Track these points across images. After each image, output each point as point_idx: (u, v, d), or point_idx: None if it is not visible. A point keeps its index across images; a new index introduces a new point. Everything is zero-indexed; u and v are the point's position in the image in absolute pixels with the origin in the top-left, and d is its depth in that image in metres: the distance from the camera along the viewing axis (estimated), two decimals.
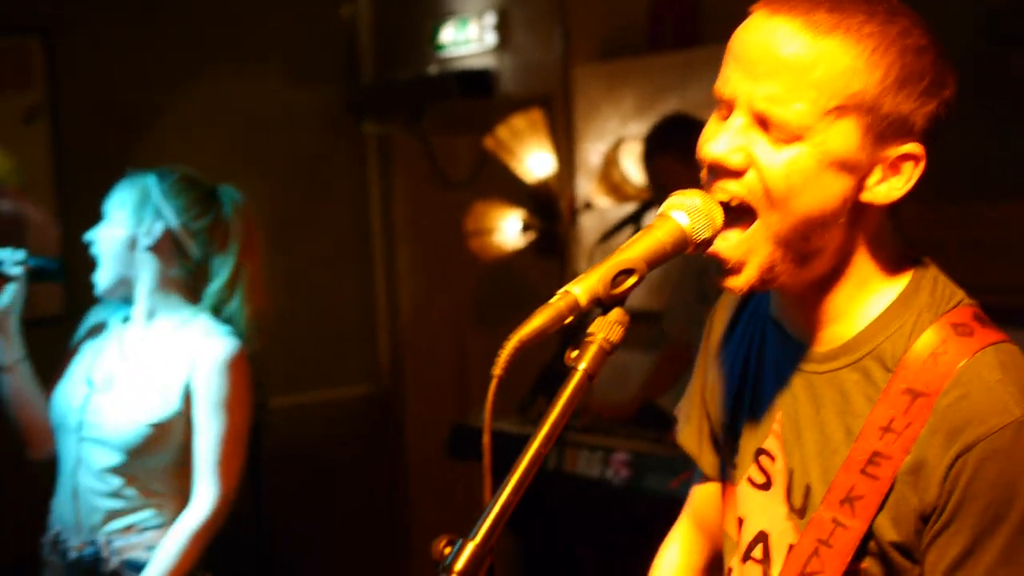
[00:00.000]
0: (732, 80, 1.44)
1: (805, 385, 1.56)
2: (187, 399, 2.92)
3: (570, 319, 1.36)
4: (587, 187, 4.84)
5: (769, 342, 1.64)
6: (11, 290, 2.99)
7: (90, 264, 3.06)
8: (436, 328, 5.79)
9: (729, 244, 1.47)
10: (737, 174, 1.44)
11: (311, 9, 5.72)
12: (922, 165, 1.45)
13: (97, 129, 5.07)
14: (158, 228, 2.95)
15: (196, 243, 2.99)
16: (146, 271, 2.98)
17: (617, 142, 4.67)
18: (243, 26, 5.47)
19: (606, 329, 1.38)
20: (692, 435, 1.82)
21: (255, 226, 3.10)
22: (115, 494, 2.93)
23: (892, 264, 1.53)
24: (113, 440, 2.90)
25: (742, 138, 1.44)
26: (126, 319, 3.06)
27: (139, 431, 2.88)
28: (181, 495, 2.95)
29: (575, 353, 1.37)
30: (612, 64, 4.79)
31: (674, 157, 3.88)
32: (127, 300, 3.06)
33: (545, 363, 3.52)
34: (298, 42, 5.66)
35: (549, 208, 4.97)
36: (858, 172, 1.43)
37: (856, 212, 1.46)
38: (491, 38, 5.24)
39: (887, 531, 1.46)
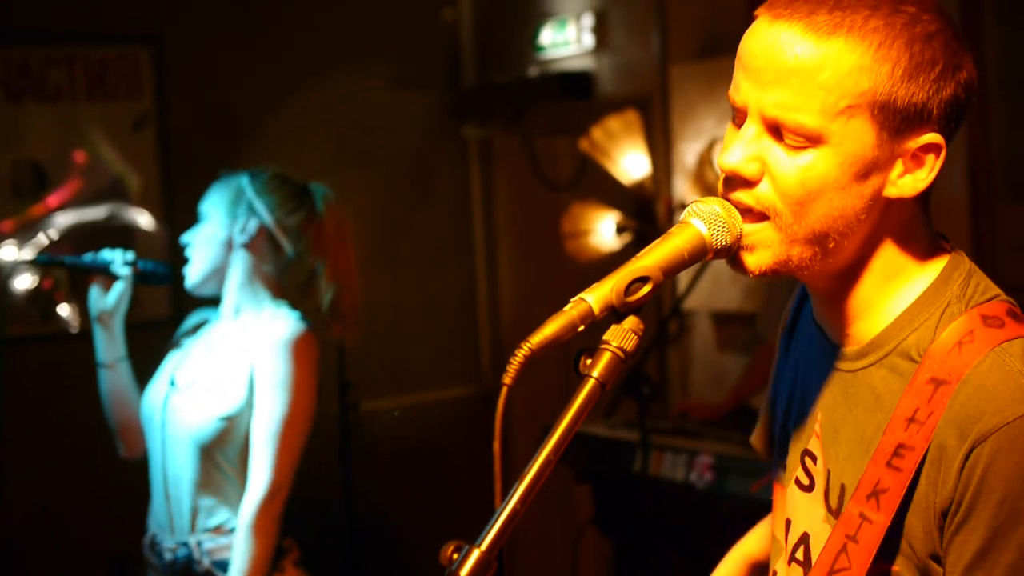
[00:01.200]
0: (742, 88, 1.42)
1: (841, 385, 1.54)
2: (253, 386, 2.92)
3: (582, 328, 1.36)
4: (684, 188, 4.81)
5: (812, 344, 1.63)
6: (118, 289, 3.07)
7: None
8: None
9: (746, 231, 1.45)
10: (751, 183, 1.43)
11: (413, 14, 5.78)
12: (943, 153, 1.42)
13: (203, 136, 5.19)
14: (252, 225, 2.99)
15: (289, 239, 3.01)
16: (237, 267, 3.02)
17: (712, 142, 4.64)
18: (346, 32, 5.55)
19: (620, 338, 1.36)
20: (760, 436, 1.84)
21: (347, 221, 3.14)
22: (198, 492, 2.95)
23: (921, 256, 1.49)
24: (189, 437, 2.93)
25: (756, 147, 1.42)
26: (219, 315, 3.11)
27: (212, 426, 2.89)
28: None
29: (589, 361, 1.36)
30: (709, 63, 4.76)
31: None
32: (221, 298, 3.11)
33: (632, 366, 3.51)
34: (401, 47, 5.73)
35: (646, 209, 4.95)
36: (878, 169, 1.41)
37: (882, 206, 1.44)
38: (589, 39, 5.25)
39: (914, 529, 1.42)
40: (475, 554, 1.26)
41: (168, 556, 2.98)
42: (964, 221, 3.82)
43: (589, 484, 4.21)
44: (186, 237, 3.10)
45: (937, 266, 1.49)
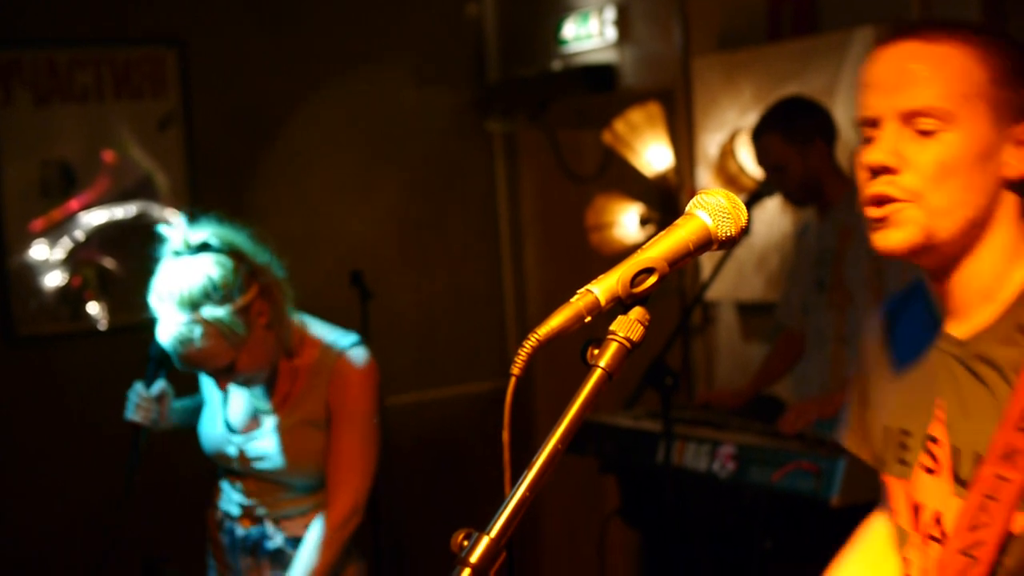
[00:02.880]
0: (872, 102, 1.66)
1: (961, 366, 1.67)
2: None
3: (589, 318, 1.38)
4: (707, 179, 4.82)
5: (925, 338, 1.74)
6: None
7: None
8: None
9: (886, 209, 1.63)
10: (894, 172, 1.62)
11: (438, 10, 5.81)
12: None
13: (229, 135, 5.24)
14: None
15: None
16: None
17: (733, 133, 4.64)
18: (370, 30, 5.58)
19: (627, 328, 1.39)
20: (857, 438, 1.93)
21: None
22: (286, 490, 3.07)
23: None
24: (288, 479, 3.06)
25: (894, 142, 1.63)
26: None
27: (309, 466, 3.03)
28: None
29: (596, 351, 1.39)
30: (731, 55, 4.76)
31: (782, 136, 3.84)
32: None
33: (653, 357, 3.52)
34: (425, 43, 5.76)
35: (669, 201, 4.96)
36: (995, 151, 1.62)
37: (999, 189, 1.64)
38: (611, 32, 5.26)
39: None
40: (485, 541, 1.28)
41: (241, 532, 3.08)
42: None
43: (614, 475, 4.23)
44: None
45: None
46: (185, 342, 2.77)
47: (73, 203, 4.99)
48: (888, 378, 1.82)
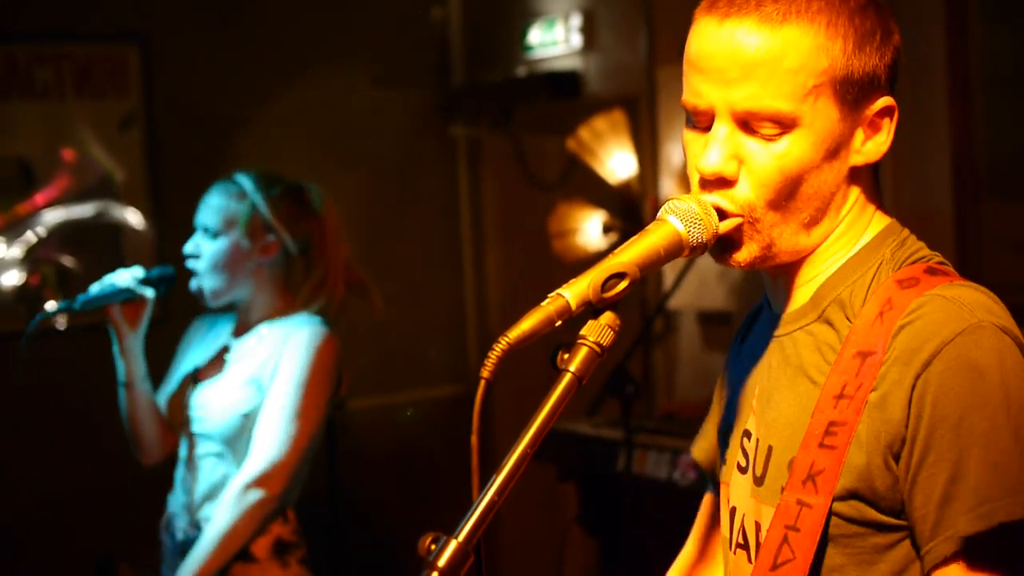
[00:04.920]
0: (704, 91, 1.48)
1: (779, 350, 1.57)
2: None
3: (559, 322, 1.38)
4: (670, 187, 4.83)
5: (761, 331, 1.66)
6: (147, 315, 3.16)
7: (185, 268, 3.21)
8: None
9: (728, 225, 1.49)
10: (730, 183, 1.48)
11: (402, 13, 5.79)
12: (896, 114, 1.50)
13: (189, 134, 5.19)
14: (255, 223, 3.11)
15: (288, 233, 3.12)
16: (248, 270, 3.13)
17: None
18: (334, 31, 5.56)
19: (597, 332, 1.39)
20: (704, 448, 1.83)
21: (339, 220, 3.25)
22: (218, 481, 3.08)
23: (869, 219, 1.55)
24: (213, 431, 3.07)
25: (730, 145, 1.47)
26: (233, 319, 3.23)
27: (233, 421, 3.03)
28: None
29: (566, 356, 1.38)
30: None
31: None
32: (231, 305, 3.20)
33: (615, 365, 3.53)
34: (389, 45, 5.74)
35: (632, 209, 4.97)
36: (844, 142, 1.48)
37: (847, 177, 1.51)
38: (577, 39, 5.26)
39: (849, 481, 1.43)
40: (452, 545, 1.28)
41: (181, 535, 3.10)
42: (948, 219, 3.83)
43: (573, 482, 4.22)
44: (189, 247, 3.13)
45: (876, 228, 1.54)
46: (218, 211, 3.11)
47: (32, 201, 4.94)
48: (729, 378, 1.73)
